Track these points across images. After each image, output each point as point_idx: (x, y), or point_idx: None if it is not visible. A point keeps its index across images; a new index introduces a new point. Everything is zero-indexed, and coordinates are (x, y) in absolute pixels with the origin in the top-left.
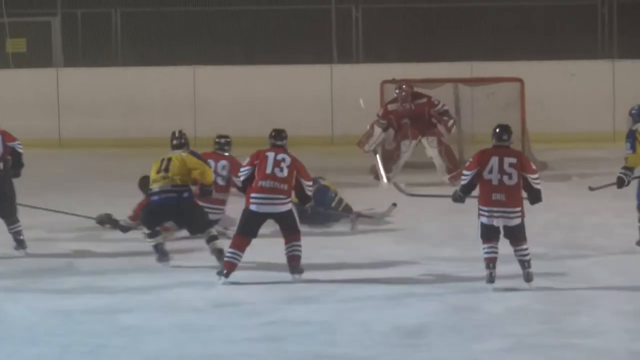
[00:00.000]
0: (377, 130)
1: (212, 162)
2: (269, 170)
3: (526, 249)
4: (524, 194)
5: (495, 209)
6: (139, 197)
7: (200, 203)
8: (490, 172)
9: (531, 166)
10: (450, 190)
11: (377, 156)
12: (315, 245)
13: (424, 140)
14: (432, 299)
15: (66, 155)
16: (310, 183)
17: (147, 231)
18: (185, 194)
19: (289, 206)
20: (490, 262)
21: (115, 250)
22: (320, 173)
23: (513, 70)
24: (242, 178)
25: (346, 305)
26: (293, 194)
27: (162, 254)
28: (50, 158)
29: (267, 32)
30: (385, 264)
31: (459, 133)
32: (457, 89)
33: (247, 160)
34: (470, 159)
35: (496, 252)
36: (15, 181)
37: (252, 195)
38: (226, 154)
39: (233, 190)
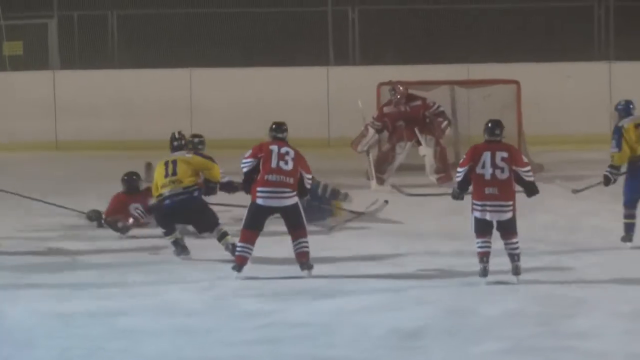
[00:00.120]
0: (371, 131)
1: None
2: (274, 164)
3: (516, 242)
4: (519, 188)
5: (488, 202)
6: None
7: None
8: (483, 166)
9: (522, 159)
10: (443, 190)
11: (370, 157)
12: (312, 247)
13: (422, 139)
14: (430, 301)
15: (63, 158)
16: (310, 176)
17: (163, 230)
18: (196, 193)
19: (295, 200)
20: (484, 256)
21: (114, 253)
22: (316, 175)
23: (509, 72)
24: (245, 169)
25: (344, 308)
26: None
27: (181, 248)
28: (47, 160)
29: (263, 35)
30: (383, 266)
31: (456, 135)
32: (454, 91)
33: (249, 152)
34: (464, 156)
35: (489, 247)
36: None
37: (259, 189)
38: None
39: None
